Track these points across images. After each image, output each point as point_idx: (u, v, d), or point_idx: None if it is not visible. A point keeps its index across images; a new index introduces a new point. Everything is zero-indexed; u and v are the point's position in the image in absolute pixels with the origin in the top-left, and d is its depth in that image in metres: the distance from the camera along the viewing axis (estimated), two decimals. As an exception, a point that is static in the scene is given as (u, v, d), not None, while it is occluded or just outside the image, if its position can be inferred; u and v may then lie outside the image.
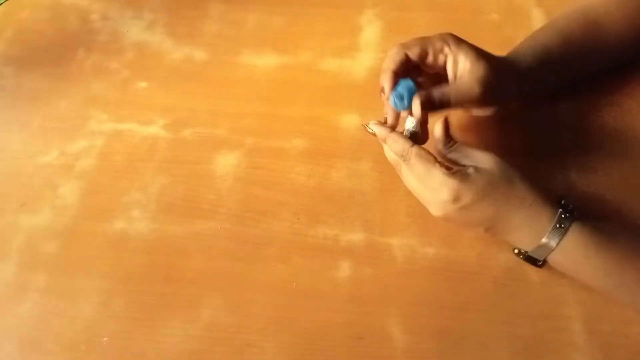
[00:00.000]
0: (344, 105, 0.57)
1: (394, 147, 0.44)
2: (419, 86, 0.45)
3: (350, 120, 0.56)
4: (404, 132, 0.46)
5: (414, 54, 0.46)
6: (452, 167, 0.42)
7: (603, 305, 0.44)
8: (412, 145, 0.43)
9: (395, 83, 0.45)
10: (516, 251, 0.45)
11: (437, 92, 0.44)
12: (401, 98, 0.44)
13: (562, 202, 0.42)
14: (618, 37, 0.51)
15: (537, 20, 0.63)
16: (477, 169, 0.42)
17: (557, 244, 0.41)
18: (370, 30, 0.64)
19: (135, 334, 0.46)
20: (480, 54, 0.45)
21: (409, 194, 0.45)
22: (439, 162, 0.42)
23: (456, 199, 0.40)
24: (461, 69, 0.45)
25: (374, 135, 0.47)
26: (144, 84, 0.61)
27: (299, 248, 0.49)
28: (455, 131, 0.46)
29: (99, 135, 0.57)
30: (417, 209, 0.44)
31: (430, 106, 0.44)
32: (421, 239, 0.49)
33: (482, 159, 0.43)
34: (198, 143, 0.56)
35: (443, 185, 0.41)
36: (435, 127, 0.46)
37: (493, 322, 0.45)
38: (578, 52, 0.51)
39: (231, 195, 0.52)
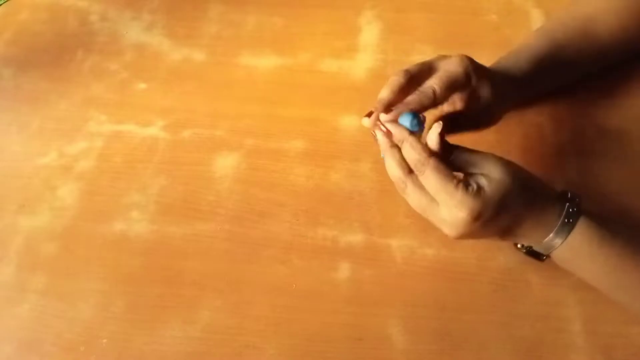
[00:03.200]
0: (343, 106, 0.57)
1: (410, 153, 0.39)
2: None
3: (349, 121, 0.56)
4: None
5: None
6: (465, 179, 0.40)
7: (603, 306, 0.44)
8: (431, 156, 0.39)
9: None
10: (519, 245, 0.44)
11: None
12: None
13: (568, 195, 0.41)
14: (615, 46, 0.52)
15: (536, 20, 0.63)
16: (488, 179, 0.39)
17: (565, 240, 0.40)
18: (369, 31, 0.64)
19: (134, 336, 0.46)
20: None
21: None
22: (457, 179, 0.39)
23: (477, 216, 0.38)
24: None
25: (380, 135, 0.41)
26: (143, 85, 0.61)
27: (298, 249, 0.49)
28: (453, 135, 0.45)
29: (98, 137, 0.57)
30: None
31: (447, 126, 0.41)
32: (420, 240, 0.49)
33: (489, 166, 0.40)
34: (197, 144, 0.56)
35: (462, 204, 0.38)
36: (429, 136, 0.40)
37: (492, 323, 0.45)
38: (574, 61, 0.52)
39: (230, 196, 0.52)
